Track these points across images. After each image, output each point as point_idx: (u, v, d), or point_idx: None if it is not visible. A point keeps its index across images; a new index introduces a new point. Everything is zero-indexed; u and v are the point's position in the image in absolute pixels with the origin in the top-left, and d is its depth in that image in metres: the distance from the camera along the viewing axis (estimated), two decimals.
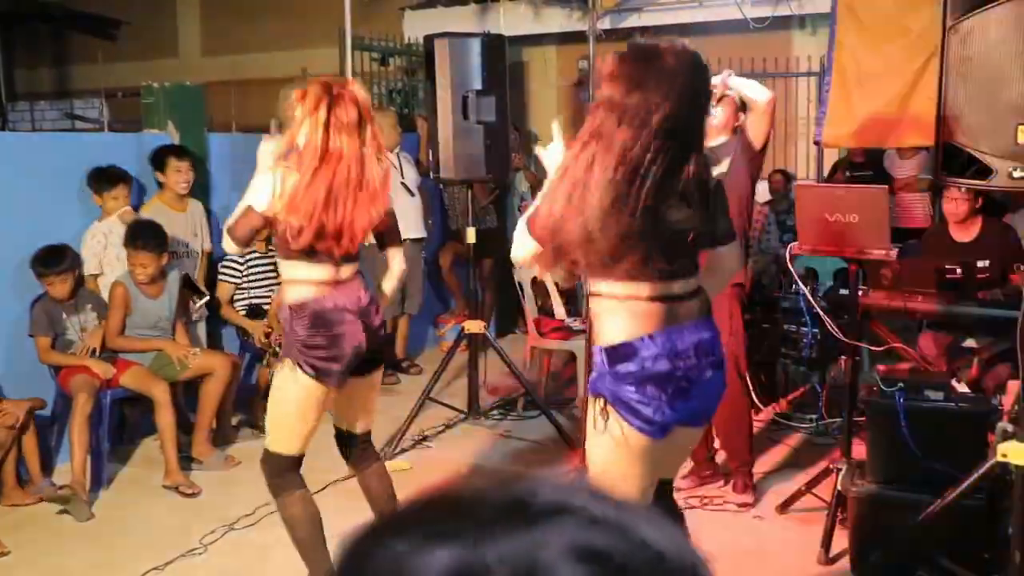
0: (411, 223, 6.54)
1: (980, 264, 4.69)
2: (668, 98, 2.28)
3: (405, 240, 6.39)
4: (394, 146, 6.55)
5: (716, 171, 4.14)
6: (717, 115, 4.12)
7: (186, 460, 4.83)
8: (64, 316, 4.70)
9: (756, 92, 4.02)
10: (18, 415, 4.33)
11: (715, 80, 4.04)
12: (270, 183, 3.03)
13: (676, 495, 4.29)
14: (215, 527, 4.13)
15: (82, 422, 4.44)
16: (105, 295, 4.90)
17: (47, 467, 4.67)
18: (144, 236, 4.78)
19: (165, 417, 4.62)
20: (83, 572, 3.81)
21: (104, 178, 5.00)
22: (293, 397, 3.16)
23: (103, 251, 5.00)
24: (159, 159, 5.28)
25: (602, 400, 2.38)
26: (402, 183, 6.50)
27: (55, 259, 4.64)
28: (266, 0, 10.39)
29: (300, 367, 3.10)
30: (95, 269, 4.98)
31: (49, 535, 4.14)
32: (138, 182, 5.34)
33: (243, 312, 5.59)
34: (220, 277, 5.52)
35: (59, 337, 4.70)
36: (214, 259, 5.66)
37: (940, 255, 4.87)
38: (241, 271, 5.52)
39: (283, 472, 3.27)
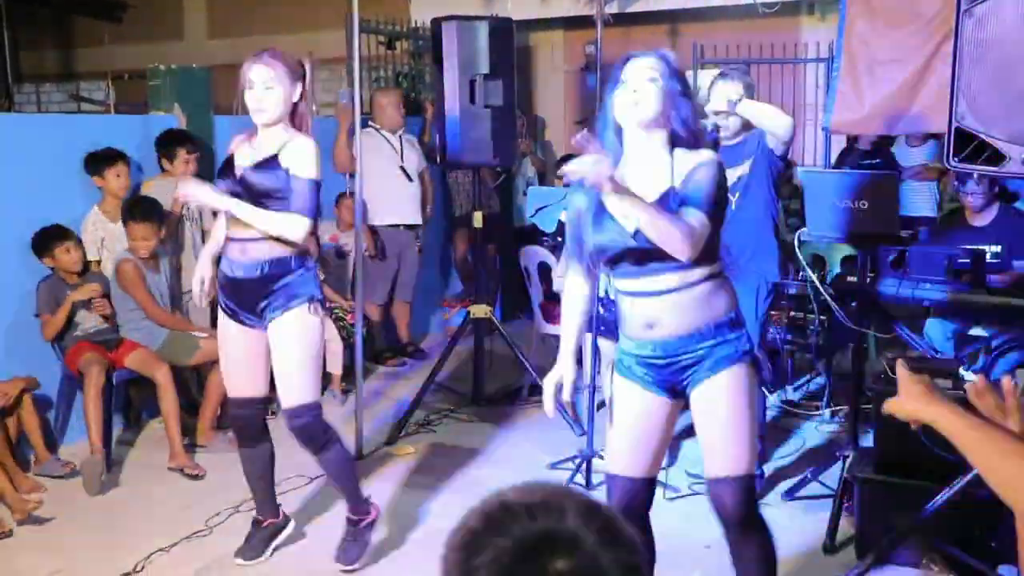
0: (407, 209, 6.49)
1: (993, 249, 4.68)
2: None
3: (399, 226, 6.43)
4: (397, 127, 6.48)
5: (738, 171, 4.11)
6: (731, 125, 4.08)
7: (191, 446, 4.84)
8: (69, 294, 4.69)
9: (774, 123, 3.92)
10: (9, 393, 4.33)
11: (724, 100, 3.96)
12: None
13: (684, 480, 4.31)
14: (221, 508, 4.13)
15: (96, 394, 4.46)
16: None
17: (52, 447, 4.68)
18: (142, 210, 4.80)
19: (168, 400, 4.62)
20: (88, 552, 3.81)
21: (102, 158, 4.98)
22: (317, 335, 3.39)
23: (102, 240, 5.00)
24: (168, 146, 5.26)
25: (749, 359, 2.62)
26: (401, 167, 6.42)
27: (56, 233, 4.66)
28: None
29: (320, 304, 3.34)
30: (94, 255, 4.98)
31: (53, 515, 4.14)
32: (139, 164, 5.32)
33: None
34: None
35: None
36: None
37: (955, 239, 4.85)
38: None
39: (324, 419, 3.44)
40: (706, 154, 2.55)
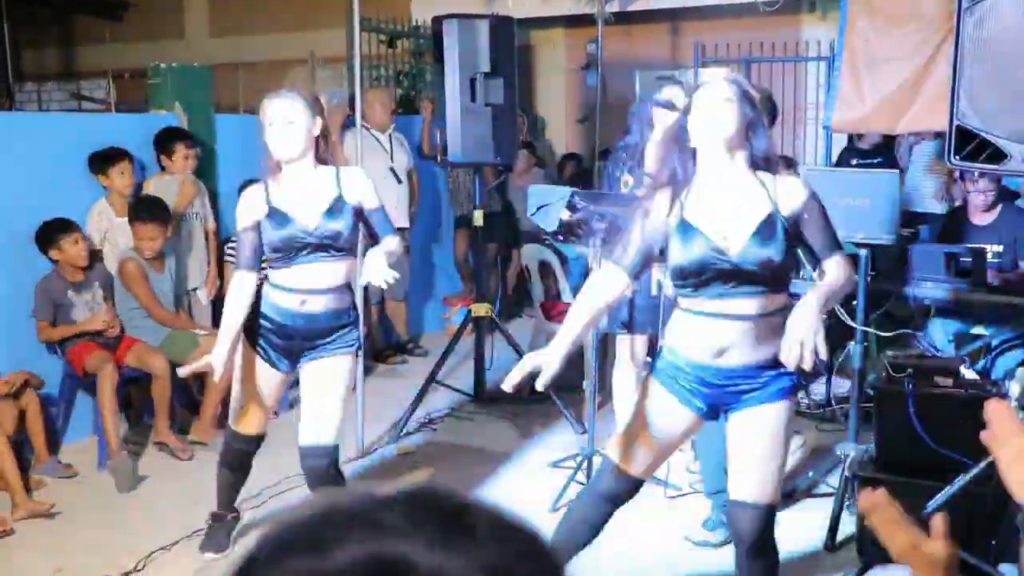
0: (395, 211, 6.46)
1: (995, 248, 4.67)
2: None
3: None
4: (385, 127, 6.43)
5: None
6: None
7: (191, 444, 4.84)
8: (70, 294, 4.69)
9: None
10: (13, 381, 4.33)
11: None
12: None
13: (686, 478, 4.31)
14: None
15: (111, 392, 4.48)
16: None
17: (53, 447, 4.67)
18: (149, 209, 4.81)
19: (161, 386, 4.68)
20: (88, 553, 3.80)
21: (106, 156, 5.00)
22: (353, 382, 3.61)
23: (105, 231, 5.02)
24: (166, 143, 5.26)
25: (796, 395, 2.73)
26: (390, 168, 6.37)
27: (61, 225, 4.66)
28: None
29: (359, 350, 3.48)
30: (97, 244, 5.00)
31: (54, 514, 4.14)
32: (142, 162, 5.33)
33: None
34: (227, 258, 5.50)
35: (63, 316, 4.68)
36: (220, 240, 5.65)
37: (957, 238, 4.84)
38: None
39: (338, 465, 3.43)
40: (800, 183, 2.60)
